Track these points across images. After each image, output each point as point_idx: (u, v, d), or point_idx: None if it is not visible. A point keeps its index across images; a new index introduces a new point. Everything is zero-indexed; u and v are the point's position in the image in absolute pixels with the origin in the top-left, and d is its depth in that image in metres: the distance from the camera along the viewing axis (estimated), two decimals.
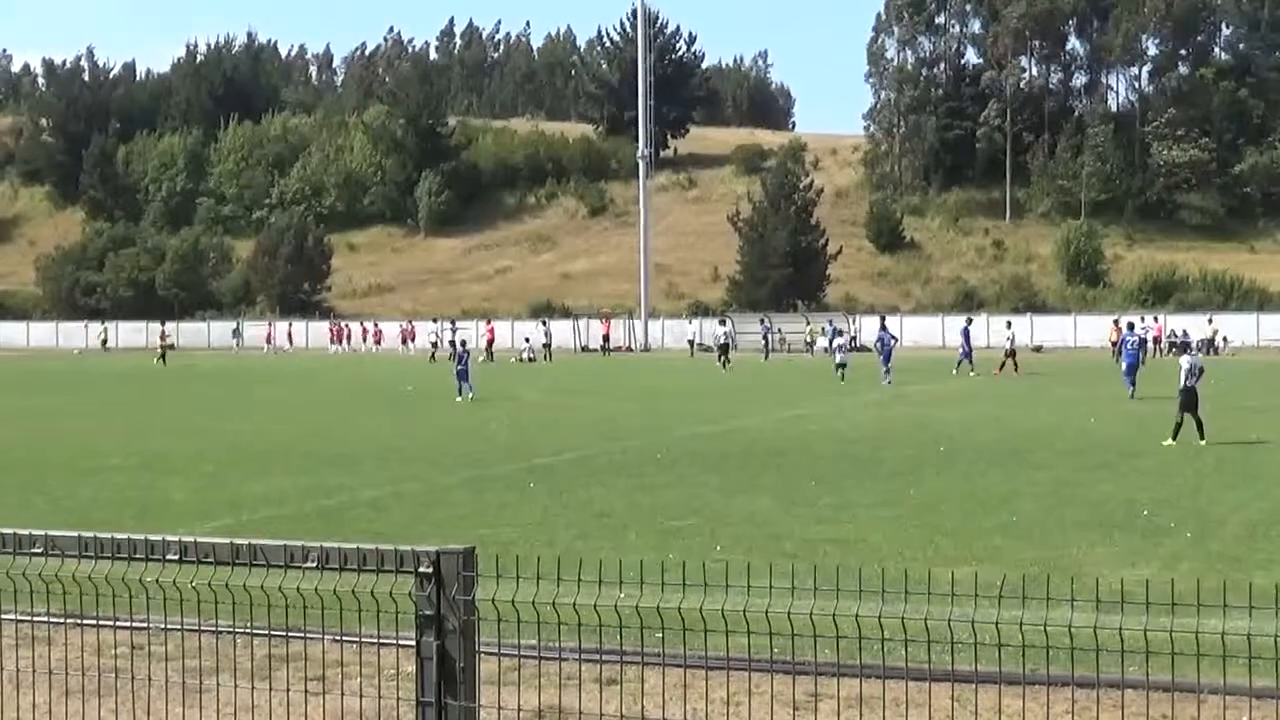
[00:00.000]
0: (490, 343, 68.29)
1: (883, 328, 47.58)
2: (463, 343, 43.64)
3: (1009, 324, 53.79)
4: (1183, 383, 23.86)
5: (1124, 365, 36.06)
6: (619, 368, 61.77)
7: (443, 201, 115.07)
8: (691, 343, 76.16)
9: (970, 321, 53.31)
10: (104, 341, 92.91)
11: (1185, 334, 73.01)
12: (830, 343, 55.68)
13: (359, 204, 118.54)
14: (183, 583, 4.34)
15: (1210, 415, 23.87)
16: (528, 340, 70.16)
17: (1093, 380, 37.10)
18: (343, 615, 4.42)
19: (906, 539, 13.79)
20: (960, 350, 49.03)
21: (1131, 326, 39.00)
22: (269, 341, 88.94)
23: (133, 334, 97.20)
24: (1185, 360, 24.75)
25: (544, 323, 75.80)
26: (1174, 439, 22.94)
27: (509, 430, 27.75)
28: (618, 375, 53.74)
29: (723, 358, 58.45)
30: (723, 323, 69.23)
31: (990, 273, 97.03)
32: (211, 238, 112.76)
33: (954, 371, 47.91)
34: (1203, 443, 22.77)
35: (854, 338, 70.50)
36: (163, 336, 72.61)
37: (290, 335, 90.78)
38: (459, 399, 36.75)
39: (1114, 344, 57.34)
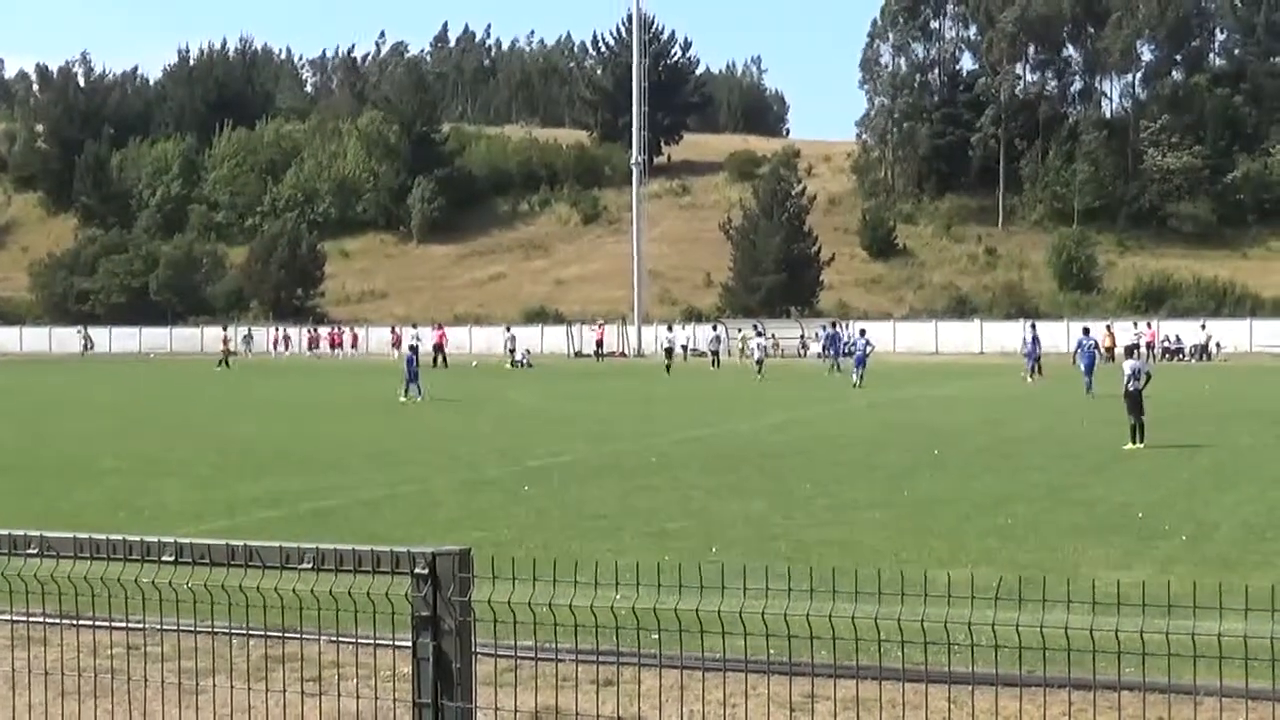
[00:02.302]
0: (438, 346, 67.68)
1: (861, 333, 51.05)
2: (412, 346, 44.52)
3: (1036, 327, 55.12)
4: (1126, 386, 23.97)
5: (1081, 366, 39.50)
6: (612, 373, 61.76)
7: (436, 208, 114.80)
8: (684, 348, 76.52)
9: (1034, 327, 54.60)
10: (86, 345, 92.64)
11: (1179, 339, 73.38)
12: (754, 343, 60.43)
13: (352, 210, 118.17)
14: (178, 584, 4.33)
15: (1204, 420, 23.91)
16: (527, 350, 70.78)
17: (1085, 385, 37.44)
18: (338, 616, 4.41)
19: (902, 541, 13.80)
20: (1028, 356, 50.10)
21: (1087, 331, 42.92)
22: (275, 346, 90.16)
23: (126, 339, 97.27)
24: (1128, 365, 24.96)
25: (508, 328, 76.30)
26: (1133, 442, 23.10)
27: (501, 433, 27.75)
28: (611, 380, 53.72)
29: (671, 361, 61.77)
30: (669, 329, 73.22)
31: (983, 279, 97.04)
32: (204, 244, 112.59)
33: (1022, 374, 49.26)
34: (1137, 446, 22.90)
35: (776, 340, 74.80)
36: (225, 341, 73.71)
37: (315, 340, 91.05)
38: (403, 399, 37.75)
39: (1108, 349, 57.79)
